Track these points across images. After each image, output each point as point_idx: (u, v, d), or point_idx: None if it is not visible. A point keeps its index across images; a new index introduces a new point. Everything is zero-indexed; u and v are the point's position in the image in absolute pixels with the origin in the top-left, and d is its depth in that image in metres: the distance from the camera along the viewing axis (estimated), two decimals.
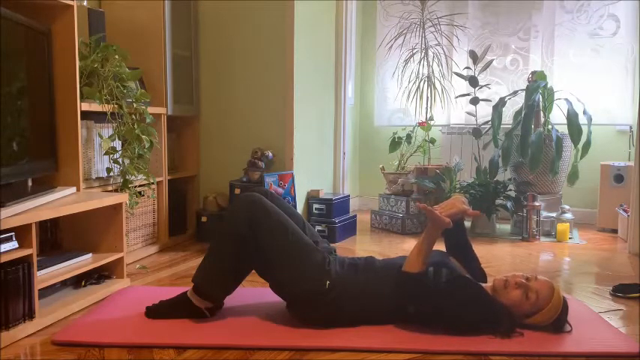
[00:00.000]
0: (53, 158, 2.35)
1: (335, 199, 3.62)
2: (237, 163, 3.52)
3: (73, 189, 2.39)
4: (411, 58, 4.22)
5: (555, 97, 3.93)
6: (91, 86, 2.57)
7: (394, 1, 4.70)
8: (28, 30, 2.08)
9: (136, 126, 2.71)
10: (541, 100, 3.86)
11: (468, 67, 4.14)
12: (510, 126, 3.93)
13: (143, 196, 3.06)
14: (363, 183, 4.98)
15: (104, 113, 2.63)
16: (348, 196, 3.89)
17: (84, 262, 2.28)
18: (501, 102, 3.94)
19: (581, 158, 3.80)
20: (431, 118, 4.13)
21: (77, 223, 2.44)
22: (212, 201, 3.46)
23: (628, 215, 3.41)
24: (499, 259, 3.11)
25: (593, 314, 2.12)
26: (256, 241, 1.90)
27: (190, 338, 1.81)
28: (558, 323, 1.87)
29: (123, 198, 2.43)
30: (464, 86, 4.28)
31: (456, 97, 4.31)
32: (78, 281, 2.31)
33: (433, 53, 4.17)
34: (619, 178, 3.87)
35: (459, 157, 4.44)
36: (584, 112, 3.79)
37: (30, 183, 2.24)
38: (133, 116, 2.73)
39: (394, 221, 3.89)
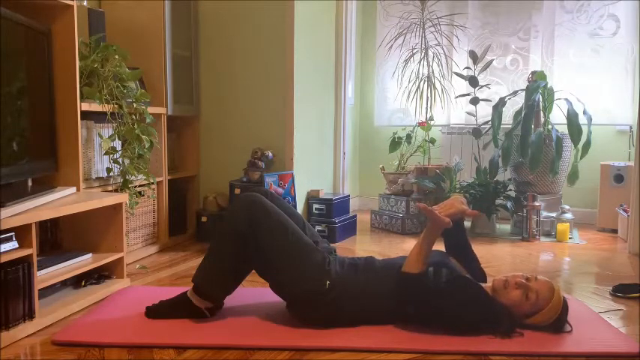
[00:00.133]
0: (53, 158, 2.35)
1: (335, 199, 3.62)
2: (237, 163, 3.52)
3: (73, 189, 2.39)
4: (411, 58, 4.22)
5: (555, 97, 3.93)
6: (91, 86, 2.57)
7: (394, 1, 4.70)
8: (28, 30, 2.08)
9: (136, 126, 2.71)
10: (541, 100, 3.86)
11: (468, 67, 4.14)
12: (510, 126, 3.93)
13: (143, 196, 3.06)
14: (363, 183, 4.98)
15: (104, 113, 2.63)
16: (348, 196, 3.89)
17: (84, 262, 2.28)
18: (501, 102, 3.94)
19: (581, 158, 3.80)
20: (431, 118, 4.13)
21: (77, 223, 2.44)
22: (212, 201, 3.46)
23: (628, 215, 3.41)
24: (499, 259, 3.11)
25: (593, 314, 2.12)
26: (256, 241, 1.90)
27: (190, 338, 1.81)
28: (558, 323, 1.87)
29: (123, 198, 2.43)
30: (464, 86, 4.28)
31: (456, 97, 4.31)
32: (78, 281, 2.31)
33: (433, 53, 4.17)
34: (619, 178, 3.87)
35: (459, 157, 4.45)
36: (584, 112, 3.79)
37: (30, 183, 2.24)
38: (133, 116, 2.73)
39: (394, 221, 3.89)
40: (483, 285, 1.92)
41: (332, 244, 2.89)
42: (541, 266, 2.97)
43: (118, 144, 2.73)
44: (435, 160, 4.36)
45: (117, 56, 2.65)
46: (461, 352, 1.74)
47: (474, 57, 4.08)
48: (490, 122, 3.95)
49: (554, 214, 3.78)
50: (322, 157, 4.03)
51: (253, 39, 3.52)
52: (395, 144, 4.18)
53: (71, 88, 2.38)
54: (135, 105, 2.76)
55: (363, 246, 3.46)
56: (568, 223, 3.65)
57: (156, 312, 2.00)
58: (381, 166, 4.20)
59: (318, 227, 3.50)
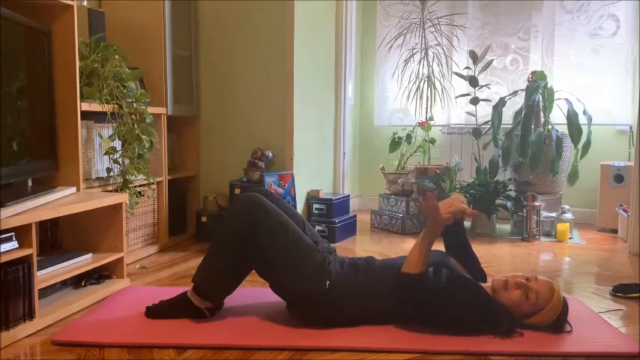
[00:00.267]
0: (53, 158, 2.35)
1: (335, 199, 3.62)
2: (237, 163, 3.52)
3: (73, 189, 2.39)
4: (411, 58, 4.22)
5: (555, 97, 3.93)
6: (91, 86, 2.57)
7: (394, 1, 4.70)
8: (28, 30, 2.08)
9: (136, 126, 2.71)
10: (541, 100, 3.86)
11: (468, 67, 4.14)
12: (510, 126, 3.93)
13: (143, 196, 3.06)
14: (363, 183, 4.98)
15: (104, 113, 2.63)
16: (348, 196, 3.89)
17: (84, 262, 2.28)
18: (501, 102, 3.94)
19: (581, 158, 3.80)
20: (431, 118, 4.13)
21: (77, 223, 2.44)
22: (212, 201, 3.46)
23: (628, 215, 3.41)
24: (499, 259, 3.11)
25: (593, 314, 2.12)
26: (256, 241, 1.90)
27: (190, 338, 1.81)
28: (558, 323, 1.87)
29: (123, 198, 2.43)
30: (464, 86, 4.28)
31: (456, 97, 4.31)
32: (78, 281, 2.31)
33: (433, 53, 4.17)
34: (619, 178, 3.87)
35: (459, 157, 4.45)
36: (584, 112, 3.79)
37: (30, 183, 2.24)
38: (133, 116, 2.73)
39: (394, 221, 3.89)
40: (483, 285, 1.92)
41: (332, 244, 2.89)
42: (541, 266, 2.97)
43: (118, 144, 2.73)
44: (435, 160, 4.36)
45: (117, 56, 2.65)
46: (461, 352, 1.74)
47: (474, 57, 4.08)
48: (490, 122, 3.95)
49: (554, 214, 3.78)
50: (322, 157, 4.03)
51: (253, 39, 3.52)
52: (395, 144, 4.18)
53: (71, 88, 2.38)
54: (135, 105, 2.76)
55: (363, 246, 3.46)
56: (568, 223, 3.65)
57: (156, 312, 2.00)
58: (381, 166, 4.20)
59: (318, 227, 3.50)
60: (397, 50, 4.33)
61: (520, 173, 3.95)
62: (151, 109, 2.95)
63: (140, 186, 2.96)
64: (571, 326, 1.89)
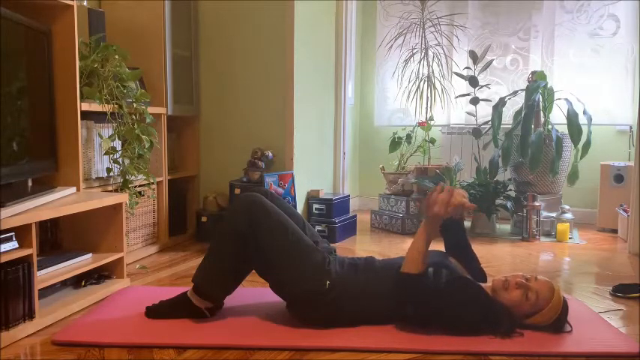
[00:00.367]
0: (53, 158, 2.35)
1: (335, 199, 3.62)
2: (237, 163, 3.52)
3: (73, 189, 2.39)
4: (411, 58, 4.22)
5: (555, 97, 3.93)
6: (91, 86, 2.57)
7: (394, 1, 4.70)
8: (28, 30, 2.08)
9: (136, 126, 2.71)
10: (541, 100, 3.86)
11: (468, 67, 4.14)
12: (510, 126, 3.93)
13: (143, 196, 3.06)
14: (363, 183, 4.98)
15: (104, 113, 2.63)
16: (348, 196, 3.89)
17: (84, 262, 2.28)
18: (501, 102, 3.94)
19: (581, 158, 3.80)
20: (431, 118, 4.13)
21: (77, 223, 2.44)
22: (212, 201, 3.46)
23: (628, 215, 3.41)
24: (499, 259, 3.11)
25: (593, 314, 2.12)
26: (256, 241, 1.90)
27: (190, 338, 1.81)
28: (558, 323, 1.87)
29: (123, 198, 2.43)
30: (464, 86, 4.28)
31: (456, 97, 4.31)
32: (78, 281, 2.31)
33: (433, 53, 4.17)
34: (619, 178, 3.87)
35: (459, 157, 4.45)
36: (584, 112, 3.79)
37: (30, 183, 2.24)
38: (133, 116, 2.73)
39: (394, 221, 3.89)
40: (483, 285, 1.92)
41: (332, 244, 2.89)
42: (541, 266, 2.97)
43: (118, 144, 2.73)
44: (435, 160, 4.36)
45: (117, 56, 2.65)
46: (461, 352, 1.74)
47: (474, 57, 4.08)
48: (490, 122, 3.95)
49: (554, 214, 3.78)
50: (322, 157, 4.03)
51: (253, 39, 3.52)
52: (395, 144, 4.18)
53: (71, 88, 2.38)
54: (135, 105, 2.76)
55: (363, 246, 3.46)
56: (568, 223, 3.65)
57: (156, 312, 2.00)
58: (381, 166, 4.20)
59: (318, 227, 3.50)
60: (397, 50, 4.33)
61: (520, 173, 3.95)
62: (151, 109, 2.95)
63: (140, 186, 2.96)
64: (571, 326, 1.89)
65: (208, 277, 1.97)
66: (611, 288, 2.47)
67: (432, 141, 4.15)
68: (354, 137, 4.85)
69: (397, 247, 3.38)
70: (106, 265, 2.38)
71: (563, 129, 3.77)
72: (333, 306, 1.88)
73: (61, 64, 2.36)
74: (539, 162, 3.67)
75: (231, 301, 2.06)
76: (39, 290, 1.95)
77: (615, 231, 3.86)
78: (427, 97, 4.14)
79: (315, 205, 3.62)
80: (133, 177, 2.75)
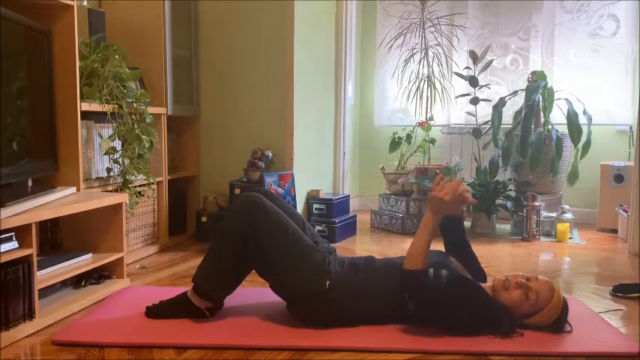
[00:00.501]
0: (53, 158, 2.35)
1: (335, 199, 3.62)
2: (237, 163, 3.52)
3: (73, 189, 2.39)
4: (411, 58, 4.22)
5: (555, 97, 3.93)
6: (91, 86, 2.57)
7: (394, 1, 4.70)
8: (28, 30, 2.08)
9: (136, 126, 2.71)
10: (541, 100, 3.86)
11: (468, 67, 4.14)
12: (510, 126, 3.93)
13: (143, 196, 3.06)
14: (363, 183, 4.98)
15: (104, 113, 2.63)
16: (348, 196, 3.89)
17: (84, 262, 2.28)
18: (501, 102, 3.94)
19: (581, 158, 3.80)
20: (431, 118, 4.13)
21: (77, 223, 2.44)
22: (212, 201, 3.46)
23: (628, 215, 3.41)
24: (499, 259, 3.11)
25: (593, 314, 2.12)
26: (256, 241, 1.90)
27: (190, 338, 1.81)
28: (558, 323, 1.87)
29: (123, 198, 2.43)
30: (464, 86, 4.28)
31: (456, 97, 4.31)
32: (78, 281, 2.31)
33: (433, 53, 4.17)
34: (619, 178, 3.87)
35: (459, 157, 4.45)
36: (584, 112, 3.79)
37: (30, 183, 2.24)
38: (133, 116, 2.73)
39: (394, 221, 3.89)
40: (483, 285, 1.92)
41: (332, 244, 2.89)
42: (541, 266, 2.97)
43: (118, 144, 2.73)
44: (435, 160, 4.36)
45: (117, 56, 2.65)
46: (461, 352, 1.74)
47: (474, 57, 4.08)
48: (490, 122, 3.95)
49: (554, 214, 3.78)
50: (322, 157, 4.03)
51: (253, 39, 3.52)
52: (395, 144, 4.18)
53: (71, 88, 2.38)
54: (135, 105, 2.76)
55: (363, 246, 3.46)
56: (568, 223, 3.65)
57: (156, 312, 2.00)
58: (381, 166, 4.20)
59: (318, 227, 3.50)
60: (397, 50, 4.33)
61: (520, 173, 3.95)
62: (151, 109, 2.95)
63: (140, 186, 2.96)
64: (571, 326, 1.89)
65: (208, 277, 1.97)
66: (611, 288, 2.47)
67: (432, 141, 4.15)
68: (354, 137, 4.85)
69: (397, 247, 3.38)
70: (106, 265, 2.38)
71: (563, 129, 3.77)
72: (333, 306, 1.88)
73: (61, 64, 2.36)
74: (539, 162, 3.67)
75: (231, 301, 2.06)
76: (39, 290, 1.95)
77: (615, 231, 3.86)
78: (427, 97, 4.14)
79: (315, 205, 3.62)
80: (133, 177, 2.75)
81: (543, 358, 1.73)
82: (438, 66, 4.19)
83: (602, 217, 3.96)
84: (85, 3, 2.87)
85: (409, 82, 4.20)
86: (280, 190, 3.34)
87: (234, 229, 1.91)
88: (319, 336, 1.84)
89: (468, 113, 4.25)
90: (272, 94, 3.51)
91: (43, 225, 2.37)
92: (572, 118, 3.67)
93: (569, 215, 3.72)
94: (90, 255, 2.35)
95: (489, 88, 4.34)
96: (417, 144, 4.16)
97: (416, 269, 1.79)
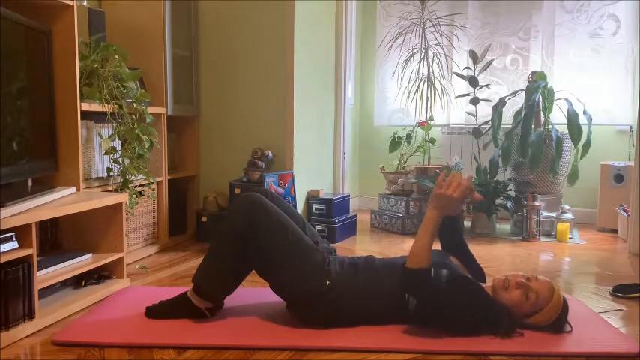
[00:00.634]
0: (53, 158, 2.35)
1: (335, 199, 3.62)
2: (237, 163, 3.52)
3: (73, 189, 2.39)
4: (411, 58, 4.22)
5: (555, 97, 3.93)
6: (91, 86, 2.57)
7: (394, 1, 4.70)
8: (28, 30, 2.08)
9: (136, 126, 2.71)
10: (541, 100, 3.86)
11: (468, 67, 4.14)
12: (510, 126, 3.93)
13: (143, 196, 3.06)
14: (363, 183, 4.98)
15: (104, 113, 2.63)
16: (348, 196, 3.89)
17: (84, 262, 2.28)
18: (501, 102, 3.94)
19: (581, 158, 3.80)
20: (431, 118, 4.13)
21: (77, 223, 2.44)
22: (212, 201, 3.46)
23: (628, 215, 3.41)
24: (499, 259, 3.11)
25: (593, 314, 2.12)
26: (256, 241, 1.90)
27: (190, 338, 1.81)
28: (558, 323, 1.87)
29: (123, 198, 2.43)
30: (464, 86, 4.28)
31: (456, 97, 4.31)
32: (78, 281, 2.31)
33: (433, 53, 4.17)
34: (619, 178, 3.87)
35: (459, 157, 4.45)
36: (584, 112, 3.79)
37: (30, 183, 2.24)
38: (133, 116, 2.73)
39: (394, 221, 3.89)
40: (483, 285, 1.92)
41: (332, 244, 2.89)
42: (541, 266, 2.97)
43: (118, 144, 2.73)
44: (435, 160, 4.36)
45: (117, 56, 2.65)
46: (461, 352, 1.74)
47: (474, 57, 4.08)
48: (490, 122, 3.95)
49: (554, 214, 3.78)
50: (322, 157, 4.03)
51: (253, 39, 3.52)
52: (395, 144, 4.18)
53: (71, 88, 2.38)
54: (135, 105, 2.76)
55: (363, 246, 3.46)
56: (568, 223, 3.65)
57: (156, 312, 2.00)
58: (381, 166, 4.20)
59: (318, 227, 3.50)
60: (397, 50, 4.33)
61: (520, 173, 3.95)
62: (151, 109, 2.95)
63: (140, 186, 2.96)
64: (571, 326, 1.89)
65: (208, 277, 1.97)
66: (611, 288, 2.47)
67: (432, 141, 4.15)
68: (354, 137, 4.85)
69: (397, 247, 3.38)
70: (106, 265, 2.38)
71: (563, 129, 3.77)
72: (333, 306, 1.88)
73: (61, 64, 2.36)
74: (539, 162, 3.67)
75: (231, 301, 2.06)
76: (39, 290, 1.95)
77: (615, 231, 3.86)
78: (427, 97, 4.14)
79: (315, 205, 3.62)
80: (133, 177, 2.75)
81: (543, 358, 1.73)
82: (438, 66, 4.19)
83: (602, 217, 3.96)
84: (85, 3, 2.87)
85: (409, 82, 4.20)
86: (280, 190, 3.34)
87: (234, 229, 1.91)
88: (319, 336, 1.84)
89: (468, 113, 4.25)
90: (272, 94, 3.51)
91: (43, 225, 2.37)
92: (572, 118, 3.67)
93: (569, 215, 3.72)
94: (90, 255, 2.35)
95: (489, 88, 4.34)
96: (417, 144, 4.16)
97: (419, 267, 1.78)
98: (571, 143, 3.77)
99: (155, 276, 2.67)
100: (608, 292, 2.45)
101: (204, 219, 3.42)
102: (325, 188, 3.99)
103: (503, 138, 3.87)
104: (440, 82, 4.18)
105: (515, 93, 4.09)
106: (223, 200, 3.47)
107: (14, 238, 1.83)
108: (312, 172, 3.80)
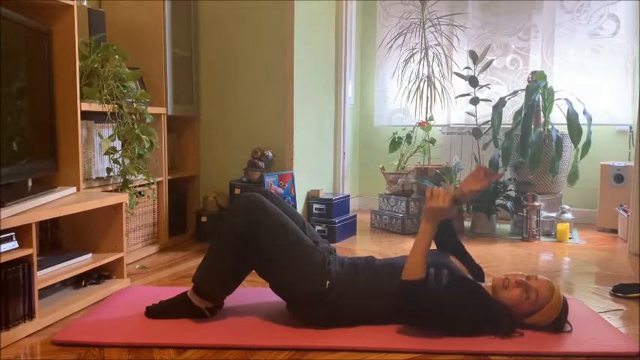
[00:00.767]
0: (53, 158, 2.35)
1: (335, 199, 3.62)
2: (237, 163, 3.52)
3: (73, 189, 2.39)
4: (411, 58, 4.22)
5: (555, 97, 3.93)
6: (91, 86, 2.57)
7: (394, 1, 4.70)
8: (28, 30, 2.08)
9: (136, 126, 2.71)
10: (541, 100, 3.86)
11: (468, 67, 4.14)
12: (510, 126, 3.93)
13: (143, 196, 3.06)
14: (363, 183, 4.98)
15: (104, 113, 2.63)
16: (348, 196, 3.89)
17: (84, 262, 2.28)
18: (501, 102, 3.94)
19: (581, 158, 3.80)
20: (431, 118, 4.13)
21: (77, 223, 2.44)
22: (212, 201, 3.46)
23: (628, 215, 3.41)
24: (499, 259, 3.11)
25: (593, 314, 2.12)
26: (256, 241, 1.90)
27: (190, 338, 1.81)
28: (558, 323, 1.87)
29: (123, 198, 2.43)
30: (464, 86, 4.28)
31: (456, 97, 4.31)
32: (78, 281, 2.31)
33: (433, 53, 4.17)
34: (619, 178, 3.87)
35: (459, 157, 4.45)
36: (584, 112, 3.79)
37: (30, 183, 2.24)
38: (133, 116, 2.73)
39: (394, 221, 3.89)
40: (482, 284, 1.92)
41: (332, 244, 2.89)
42: (541, 266, 2.97)
43: (118, 144, 2.73)
44: (435, 160, 4.36)
45: (117, 56, 2.65)
46: (461, 352, 1.74)
47: (474, 57, 4.08)
48: (490, 122, 3.95)
49: (554, 214, 3.78)
50: (322, 157, 4.03)
51: (253, 39, 3.52)
52: (395, 144, 4.18)
53: (71, 88, 2.38)
54: (135, 105, 2.76)
55: (363, 246, 3.46)
56: (568, 223, 3.65)
57: (156, 312, 2.00)
58: (381, 166, 4.20)
59: (318, 227, 3.50)
60: (397, 50, 4.33)
61: (520, 173, 3.95)
62: (151, 109, 2.95)
63: (140, 186, 2.96)
64: (571, 326, 1.89)
65: (208, 277, 1.97)
66: (611, 288, 2.47)
67: (432, 141, 4.15)
68: (354, 137, 4.85)
69: (397, 247, 3.38)
70: (106, 265, 2.38)
71: (563, 129, 3.77)
72: (333, 306, 1.88)
73: (61, 64, 2.36)
74: (539, 162, 3.67)
75: (231, 301, 2.06)
76: (39, 290, 1.95)
77: (615, 231, 3.86)
78: (427, 97, 4.14)
79: (315, 205, 3.62)
80: (133, 177, 2.75)
81: (543, 358, 1.73)
82: (438, 66, 4.19)
83: (602, 217, 3.96)
84: (85, 3, 2.87)
85: (409, 82, 4.20)
86: (280, 190, 3.34)
87: (234, 229, 1.91)
88: (319, 336, 1.84)
89: (468, 113, 4.25)
90: (272, 94, 3.51)
91: (43, 225, 2.37)
92: (572, 118, 3.67)
93: (569, 215, 3.72)
94: (90, 255, 2.35)
95: (489, 88, 4.34)
96: (417, 144, 4.16)
97: (416, 279, 1.79)
98: (571, 143, 3.77)
99: (155, 276, 2.67)
100: (608, 292, 2.45)
101: (204, 219, 3.42)
102: (325, 188, 3.99)
103: (503, 138, 3.87)
104: (440, 82, 4.19)
105: (515, 93, 4.09)
106: (223, 200, 3.47)
107: (14, 238, 1.83)
108: (312, 172, 3.80)
